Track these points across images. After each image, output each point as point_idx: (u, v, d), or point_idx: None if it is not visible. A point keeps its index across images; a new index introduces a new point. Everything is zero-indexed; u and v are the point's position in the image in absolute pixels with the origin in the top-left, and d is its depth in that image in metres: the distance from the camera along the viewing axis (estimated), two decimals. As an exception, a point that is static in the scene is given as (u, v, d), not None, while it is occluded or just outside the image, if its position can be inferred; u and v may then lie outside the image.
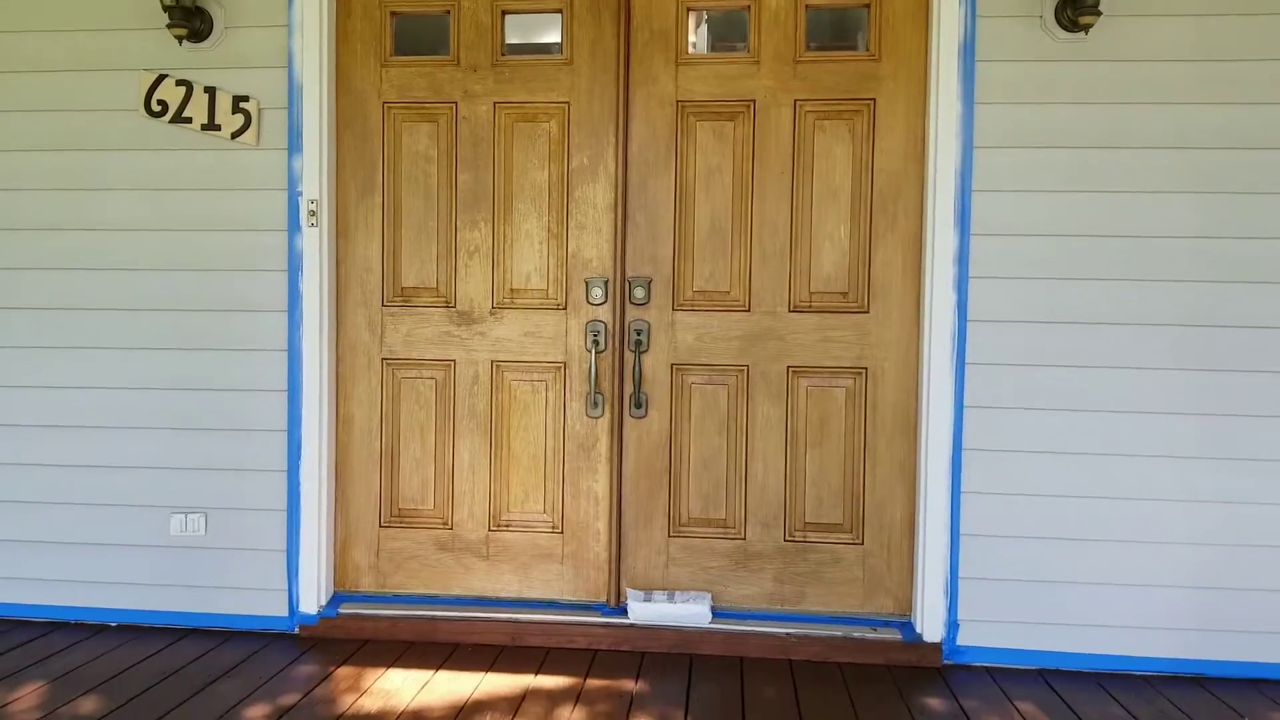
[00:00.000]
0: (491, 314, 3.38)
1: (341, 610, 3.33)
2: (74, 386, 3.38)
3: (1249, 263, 3.02)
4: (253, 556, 3.34)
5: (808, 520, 3.30)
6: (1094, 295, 3.07)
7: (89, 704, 2.76)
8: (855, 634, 3.18)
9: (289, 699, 2.82)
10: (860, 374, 3.26)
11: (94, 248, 3.35)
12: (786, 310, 3.27)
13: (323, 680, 2.95)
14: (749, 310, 3.28)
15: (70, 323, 3.37)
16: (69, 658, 3.09)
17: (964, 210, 3.09)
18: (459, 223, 3.37)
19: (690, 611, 3.23)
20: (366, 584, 3.45)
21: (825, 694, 2.89)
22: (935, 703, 2.85)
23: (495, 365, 3.38)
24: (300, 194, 3.28)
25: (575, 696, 2.86)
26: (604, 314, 3.32)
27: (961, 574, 3.13)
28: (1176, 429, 3.06)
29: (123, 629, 3.35)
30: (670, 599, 3.27)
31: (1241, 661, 3.05)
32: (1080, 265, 3.06)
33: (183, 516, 3.35)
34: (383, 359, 3.41)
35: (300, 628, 3.32)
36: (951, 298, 3.10)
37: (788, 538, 3.31)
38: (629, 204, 3.32)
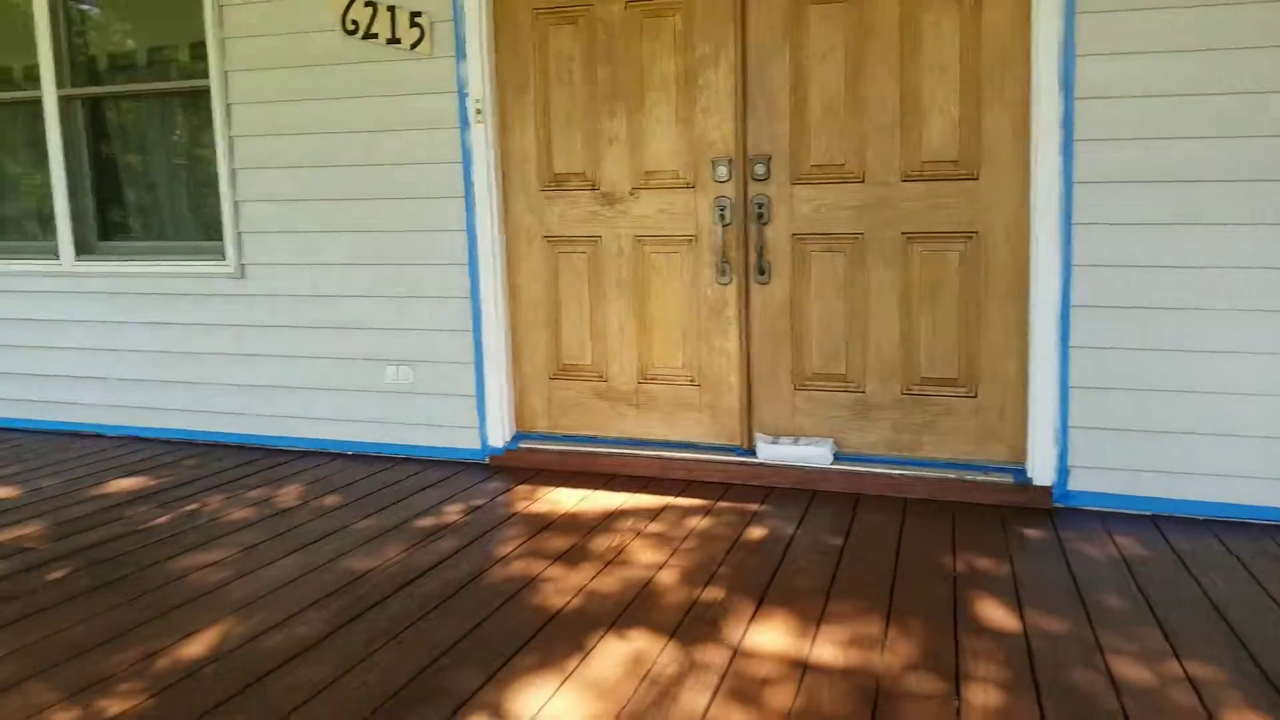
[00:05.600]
0: (630, 194, 3.81)
1: (521, 445, 4.02)
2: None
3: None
4: (451, 401, 4.09)
5: (923, 375, 3.60)
6: (1195, 153, 3.13)
7: (332, 499, 3.64)
8: (968, 477, 3.50)
9: (478, 502, 3.58)
10: (971, 238, 3.47)
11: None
12: (899, 180, 3.51)
13: (504, 492, 3.69)
14: (863, 181, 3.55)
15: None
16: (316, 473, 3.98)
17: (1068, 75, 3.21)
18: (599, 113, 3.80)
19: (813, 453, 3.64)
20: (541, 426, 4.10)
21: (930, 522, 3.26)
22: (1035, 534, 3.15)
23: (636, 239, 3.83)
24: (466, 94, 3.81)
25: (705, 512, 3.39)
26: (729, 190, 3.68)
27: (1071, 423, 3.34)
28: (1274, 282, 3.14)
29: (354, 456, 4.20)
30: (795, 442, 3.69)
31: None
32: (1182, 125, 3.13)
33: (395, 367, 4.13)
34: (543, 236, 3.94)
35: (490, 458, 4.06)
36: (1057, 161, 3.25)
37: (904, 391, 3.63)
38: (749, 88, 3.62)
